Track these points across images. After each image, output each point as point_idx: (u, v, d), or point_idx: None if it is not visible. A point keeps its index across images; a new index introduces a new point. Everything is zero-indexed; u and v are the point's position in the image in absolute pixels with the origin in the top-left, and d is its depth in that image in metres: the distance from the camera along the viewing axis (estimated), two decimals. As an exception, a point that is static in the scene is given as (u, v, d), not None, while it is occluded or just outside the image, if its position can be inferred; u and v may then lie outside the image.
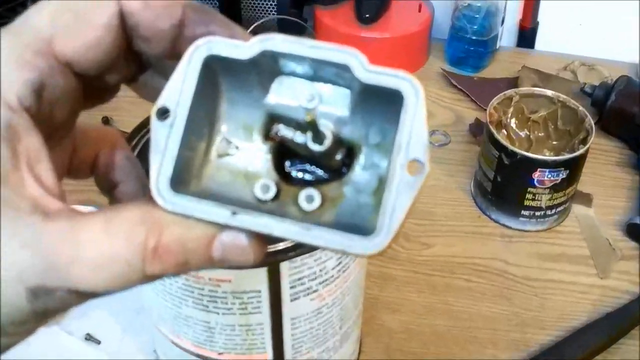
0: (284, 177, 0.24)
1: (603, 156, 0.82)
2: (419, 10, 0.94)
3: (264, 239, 0.22)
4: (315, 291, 0.47)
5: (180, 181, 0.22)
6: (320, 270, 0.46)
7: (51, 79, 0.22)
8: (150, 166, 0.22)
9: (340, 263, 0.45)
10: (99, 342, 0.62)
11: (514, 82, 0.90)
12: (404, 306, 0.66)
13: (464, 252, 0.72)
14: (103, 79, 0.24)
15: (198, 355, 0.50)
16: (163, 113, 0.22)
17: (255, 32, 0.24)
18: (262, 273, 0.44)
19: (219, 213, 0.22)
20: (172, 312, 0.49)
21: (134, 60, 0.25)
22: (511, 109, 0.74)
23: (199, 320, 0.47)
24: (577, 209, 0.76)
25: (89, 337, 0.62)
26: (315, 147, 0.23)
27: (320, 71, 0.23)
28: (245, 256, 0.22)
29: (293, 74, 0.24)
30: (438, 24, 0.97)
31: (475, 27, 0.91)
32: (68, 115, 0.24)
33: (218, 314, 0.46)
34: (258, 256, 0.23)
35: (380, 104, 0.23)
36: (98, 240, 0.21)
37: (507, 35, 0.99)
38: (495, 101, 0.72)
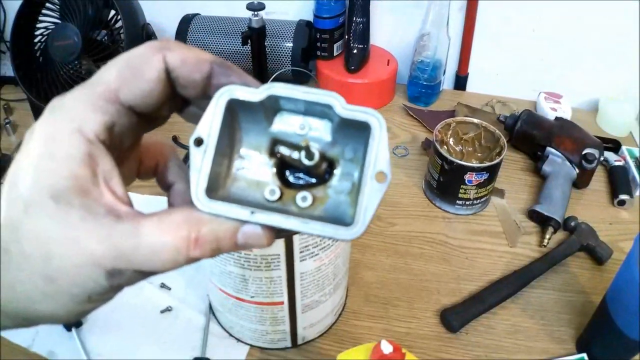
0: (285, 183, 0.24)
1: (513, 164, 0.89)
2: (388, 64, 1.03)
3: (274, 229, 0.23)
4: (317, 255, 0.49)
5: (212, 189, 0.22)
6: (321, 241, 0.49)
7: (119, 119, 0.23)
8: (190, 181, 0.22)
9: (333, 237, 0.49)
10: (169, 289, 0.68)
11: (452, 113, 0.95)
12: (377, 265, 0.70)
13: (418, 229, 0.76)
14: (157, 113, 0.25)
15: (237, 299, 0.53)
16: (198, 142, 0.22)
17: (275, 79, 0.24)
18: (280, 242, 0.47)
19: (242, 213, 0.22)
20: (219, 269, 0.50)
21: (179, 99, 0.25)
22: (450, 132, 0.79)
23: (238, 274, 0.49)
24: (495, 200, 0.81)
25: (163, 285, 0.69)
26: (307, 162, 0.23)
27: (310, 109, 0.23)
28: (260, 241, 0.23)
29: (290, 110, 0.24)
30: (401, 73, 1.05)
31: (426, 75, 0.98)
32: (132, 141, 0.25)
33: (250, 269, 0.48)
34: (270, 241, 0.23)
35: (354, 131, 0.23)
36: (154, 234, 0.21)
37: (447, 80, 1.06)
38: (439, 126, 0.77)
